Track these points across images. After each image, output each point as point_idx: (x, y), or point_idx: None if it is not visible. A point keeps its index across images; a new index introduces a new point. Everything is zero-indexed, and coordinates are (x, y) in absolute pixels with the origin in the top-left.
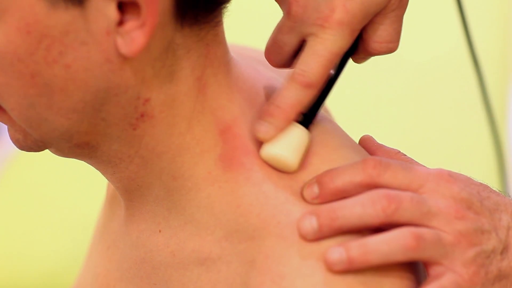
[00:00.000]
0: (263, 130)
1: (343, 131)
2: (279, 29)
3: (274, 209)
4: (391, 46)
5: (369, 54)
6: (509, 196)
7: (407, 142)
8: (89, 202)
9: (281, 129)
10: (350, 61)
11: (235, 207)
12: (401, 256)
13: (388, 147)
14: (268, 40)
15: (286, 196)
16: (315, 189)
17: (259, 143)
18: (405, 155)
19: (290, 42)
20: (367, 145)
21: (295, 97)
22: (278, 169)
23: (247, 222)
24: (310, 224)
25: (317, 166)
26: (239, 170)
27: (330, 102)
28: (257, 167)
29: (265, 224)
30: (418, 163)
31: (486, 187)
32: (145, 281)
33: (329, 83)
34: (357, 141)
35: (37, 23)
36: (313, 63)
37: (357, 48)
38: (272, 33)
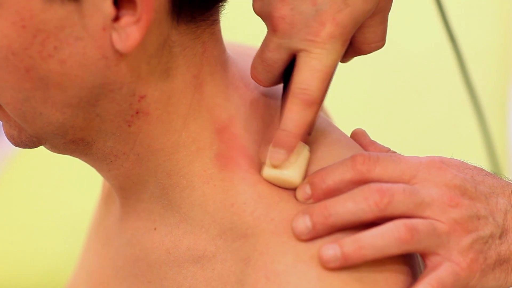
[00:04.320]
0: (277, 157)
1: (334, 126)
2: (266, 47)
3: (267, 207)
4: (379, 45)
5: (358, 55)
6: (506, 178)
7: (397, 136)
8: (88, 202)
9: (293, 151)
10: None
11: (229, 206)
12: (395, 249)
13: (380, 145)
14: (254, 60)
15: (280, 195)
16: (307, 190)
17: (256, 146)
18: (396, 152)
19: (280, 58)
20: (359, 140)
21: (301, 118)
22: (280, 186)
23: (241, 220)
24: (304, 223)
25: (309, 166)
26: (235, 170)
27: None
28: (253, 170)
29: (259, 221)
30: (409, 156)
31: (480, 170)
32: (139, 279)
33: None
34: (348, 134)
35: (32, 17)
36: (312, 79)
37: (346, 51)
38: (258, 52)
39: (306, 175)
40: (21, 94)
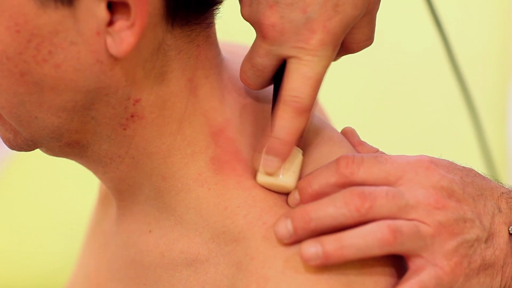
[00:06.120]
0: (270, 165)
1: (326, 124)
2: (255, 52)
3: (261, 211)
4: (368, 43)
5: (347, 54)
6: (496, 180)
7: (390, 136)
8: (86, 203)
9: (286, 158)
10: None
11: (223, 209)
12: (377, 250)
13: (369, 145)
14: (244, 65)
15: (275, 200)
16: (296, 196)
17: (251, 149)
18: (384, 153)
19: (270, 64)
20: (348, 139)
21: (293, 125)
22: (274, 191)
23: (234, 223)
24: (286, 227)
25: (302, 169)
26: (230, 174)
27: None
28: (248, 174)
29: (251, 225)
30: (397, 156)
31: (470, 171)
32: (135, 281)
33: None
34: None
35: (26, 22)
36: (303, 87)
37: None
38: (247, 57)
39: (300, 179)
40: (16, 98)
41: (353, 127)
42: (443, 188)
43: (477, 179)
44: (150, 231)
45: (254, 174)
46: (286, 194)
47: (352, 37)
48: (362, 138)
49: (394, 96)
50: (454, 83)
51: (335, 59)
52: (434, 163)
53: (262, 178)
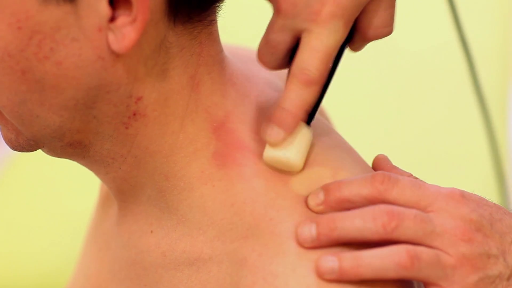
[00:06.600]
0: (273, 133)
1: (335, 131)
2: (271, 28)
3: (266, 206)
4: (387, 31)
5: (366, 41)
6: None
7: (401, 135)
8: (87, 203)
9: (291, 131)
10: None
11: (229, 206)
12: (393, 273)
13: (402, 170)
14: (260, 43)
15: (276, 191)
16: (321, 196)
17: (253, 138)
18: (418, 178)
19: (284, 40)
20: (381, 165)
21: (300, 97)
22: (281, 171)
23: (242, 220)
24: (309, 231)
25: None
26: (232, 166)
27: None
28: (250, 162)
29: (258, 221)
30: (430, 184)
31: (500, 208)
32: (135, 282)
33: (328, 77)
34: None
35: (28, 19)
36: (312, 59)
37: (353, 37)
38: (264, 35)
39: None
40: (18, 96)
41: (384, 154)
42: (472, 221)
43: (506, 216)
44: (151, 232)
45: (255, 161)
46: (291, 173)
47: (369, 21)
48: (375, 137)
49: (403, 95)
50: (463, 82)
51: (355, 49)
52: (465, 197)
53: (267, 153)
